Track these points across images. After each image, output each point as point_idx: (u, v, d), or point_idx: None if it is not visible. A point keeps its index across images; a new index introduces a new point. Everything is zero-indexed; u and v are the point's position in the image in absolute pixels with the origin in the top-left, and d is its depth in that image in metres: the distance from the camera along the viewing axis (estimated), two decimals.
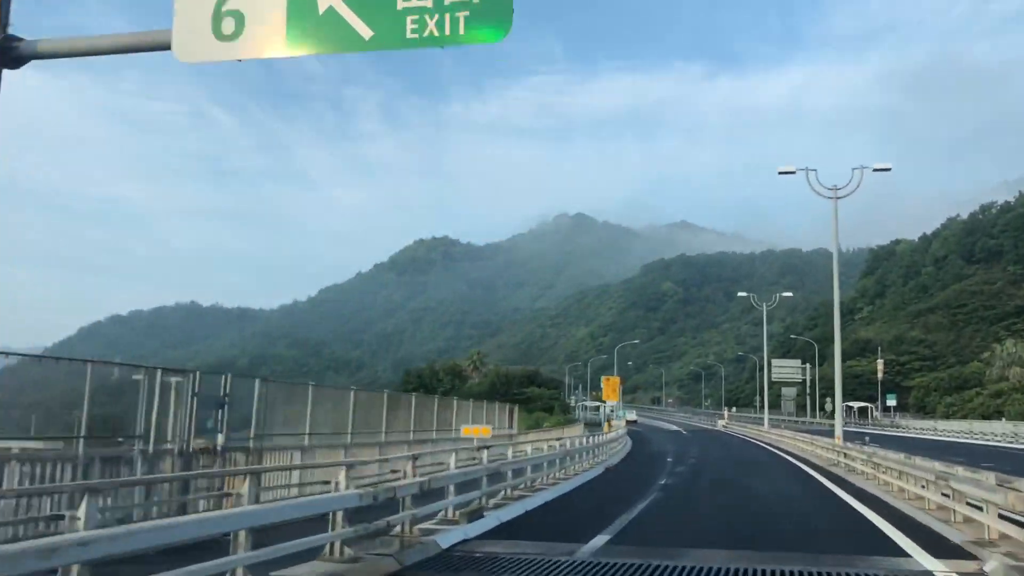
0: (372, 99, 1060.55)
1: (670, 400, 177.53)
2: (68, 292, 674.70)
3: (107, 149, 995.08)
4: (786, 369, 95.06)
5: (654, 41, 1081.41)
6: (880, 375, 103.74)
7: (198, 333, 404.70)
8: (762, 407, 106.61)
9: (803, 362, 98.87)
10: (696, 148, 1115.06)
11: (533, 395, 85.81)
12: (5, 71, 8.03)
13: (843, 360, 49.13)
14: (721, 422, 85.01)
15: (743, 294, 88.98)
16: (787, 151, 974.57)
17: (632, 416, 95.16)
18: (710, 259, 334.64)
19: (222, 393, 14.96)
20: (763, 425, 71.49)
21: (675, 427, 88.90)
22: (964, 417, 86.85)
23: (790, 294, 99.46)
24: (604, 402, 77.62)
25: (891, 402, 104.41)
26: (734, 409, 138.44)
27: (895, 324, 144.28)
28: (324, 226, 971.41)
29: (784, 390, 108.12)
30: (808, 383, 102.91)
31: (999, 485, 12.10)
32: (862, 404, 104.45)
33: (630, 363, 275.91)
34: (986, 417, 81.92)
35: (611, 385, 69.14)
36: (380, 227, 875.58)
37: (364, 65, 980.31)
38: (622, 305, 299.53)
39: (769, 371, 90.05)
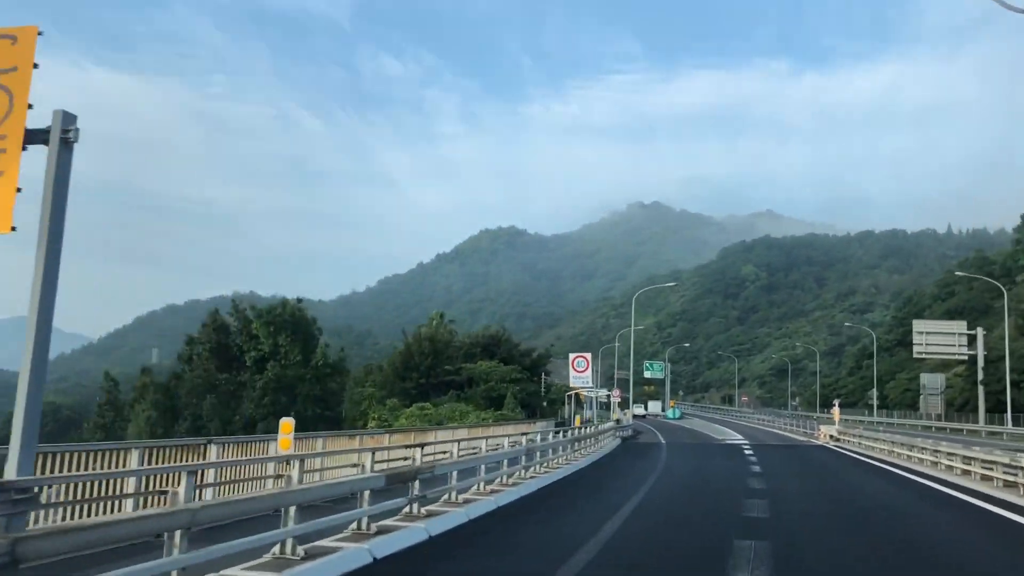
0: (452, 101, 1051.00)
1: (744, 398, 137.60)
2: (153, 287, 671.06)
3: (199, 151, 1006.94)
4: (938, 337, 56.39)
5: (737, 39, 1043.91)
6: None
7: None
8: (879, 407, 68.19)
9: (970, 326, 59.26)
10: (782, 145, 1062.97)
11: (481, 374, 50.58)
12: None
13: None
14: (826, 431, 46.17)
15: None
16: (878, 148, 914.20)
17: (639, 411, 73.75)
18: (798, 241, 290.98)
19: None
20: (911, 440, 33.76)
21: (735, 438, 52.43)
22: None
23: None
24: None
25: None
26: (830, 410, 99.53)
27: None
28: (402, 225, 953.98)
29: (926, 379, 68.61)
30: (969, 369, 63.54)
31: None
32: None
33: (698, 358, 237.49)
34: None
35: None
36: (453, 224, 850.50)
37: (443, 67, 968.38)
38: (695, 292, 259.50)
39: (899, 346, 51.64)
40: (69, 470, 10.73)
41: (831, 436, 44.78)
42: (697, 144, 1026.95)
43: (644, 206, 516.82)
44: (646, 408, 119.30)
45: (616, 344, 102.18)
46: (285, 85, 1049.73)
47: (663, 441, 44.06)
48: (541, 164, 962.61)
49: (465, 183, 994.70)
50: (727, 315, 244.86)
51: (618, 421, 55.49)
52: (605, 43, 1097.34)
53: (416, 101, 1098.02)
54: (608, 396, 66.15)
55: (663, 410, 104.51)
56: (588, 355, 60.01)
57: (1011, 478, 19.01)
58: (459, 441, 18.15)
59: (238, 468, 13.49)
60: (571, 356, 57.54)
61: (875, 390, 78.20)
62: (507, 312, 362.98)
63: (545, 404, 60.94)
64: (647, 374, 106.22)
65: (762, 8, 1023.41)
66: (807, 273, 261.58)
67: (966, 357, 59.72)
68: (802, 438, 50.46)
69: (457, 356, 56.38)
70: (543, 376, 66.18)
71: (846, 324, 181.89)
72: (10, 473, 8.18)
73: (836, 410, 53.47)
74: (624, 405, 66.12)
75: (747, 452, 35.37)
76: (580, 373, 52.87)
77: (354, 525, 10.81)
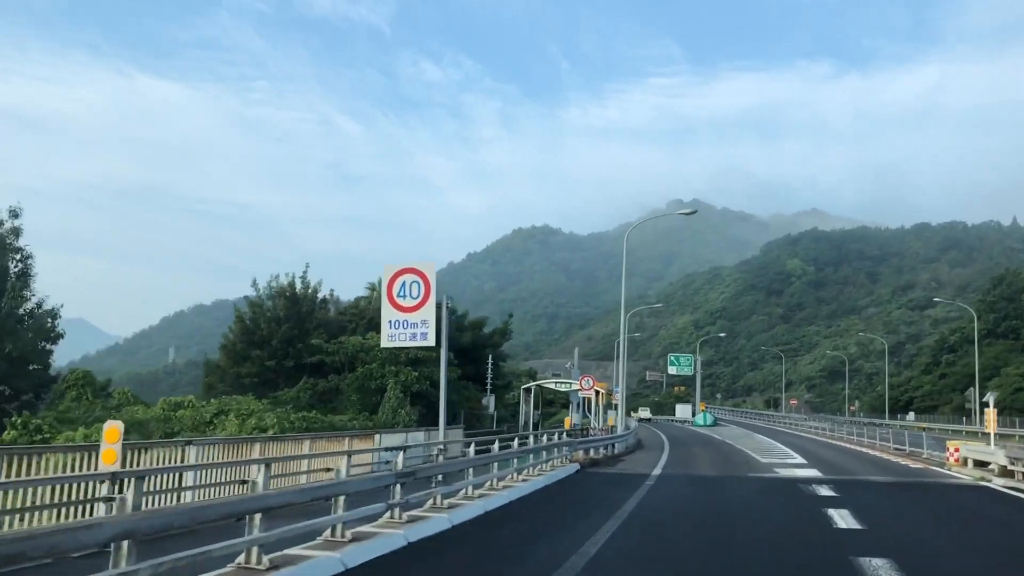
0: (490, 105, 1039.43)
1: (793, 402, 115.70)
2: (186, 287, 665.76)
3: (243, 157, 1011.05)
4: None
5: (777, 41, 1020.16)
6: None
7: None
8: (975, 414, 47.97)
9: None
10: (823, 146, 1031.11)
11: (354, 352, 31.84)
12: None
13: None
14: (974, 454, 24.22)
15: None
16: (923, 147, 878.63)
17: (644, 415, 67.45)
18: (848, 235, 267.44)
19: None
20: None
21: (792, 461, 32.55)
22: None
23: None
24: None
25: None
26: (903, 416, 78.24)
27: None
28: (439, 228, 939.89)
29: None
30: None
31: None
32: None
33: (739, 358, 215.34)
34: None
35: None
36: (487, 226, 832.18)
37: (482, 72, 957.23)
38: (736, 289, 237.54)
39: None
40: None
41: (988, 465, 23.60)
42: (737, 146, 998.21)
43: (684, 204, 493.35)
44: (680, 412, 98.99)
45: (628, 336, 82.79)
46: (326, 91, 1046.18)
47: (657, 470, 24.39)
48: (579, 167, 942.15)
49: (502, 186, 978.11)
50: (771, 312, 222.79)
51: (612, 428, 36.69)
52: (643, 46, 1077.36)
53: (455, 105, 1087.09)
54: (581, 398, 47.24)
55: (693, 414, 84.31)
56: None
57: None
58: None
59: None
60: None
61: (975, 390, 57.44)
62: (539, 312, 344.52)
63: (493, 402, 42.01)
64: (672, 369, 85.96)
65: (802, 10, 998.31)
66: (858, 268, 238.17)
67: None
68: (913, 464, 29.68)
69: (333, 327, 37.41)
70: (491, 362, 46.46)
71: (903, 324, 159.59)
72: None
73: (992, 415, 26.70)
74: (609, 406, 46.61)
75: (838, 515, 15.34)
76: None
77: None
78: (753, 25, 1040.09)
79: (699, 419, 77.85)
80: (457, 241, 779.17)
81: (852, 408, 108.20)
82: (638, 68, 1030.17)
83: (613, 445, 31.01)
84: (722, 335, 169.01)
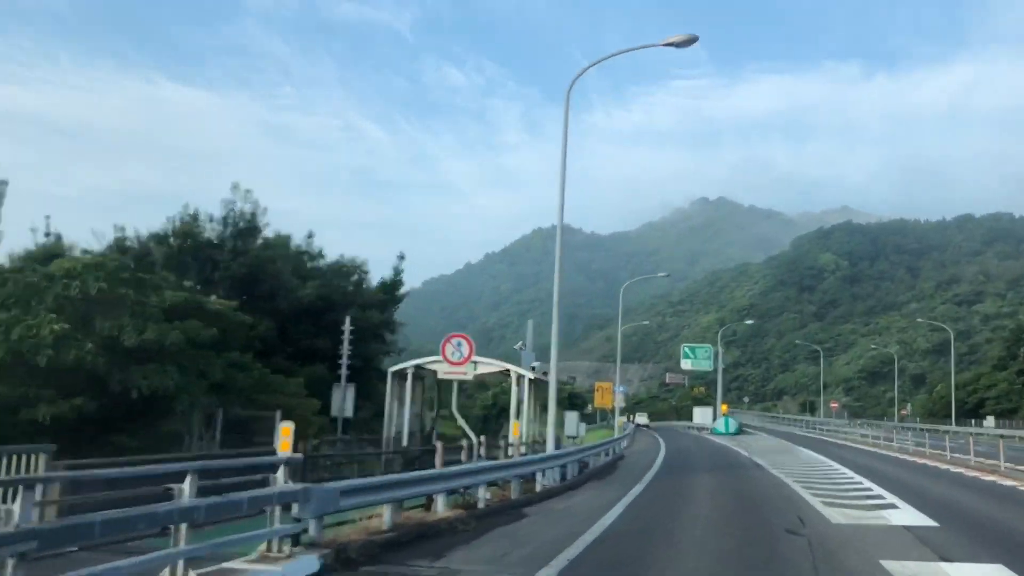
0: (513, 109, 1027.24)
1: (834, 405, 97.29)
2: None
3: (270, 162, 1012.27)
4: None
5: (805, 42, 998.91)
6: None
7: None
8: None
9: None
10: (852, 147, 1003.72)
11: None
12: None
13: None
14: None
15: None
16: (956, 149, 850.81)
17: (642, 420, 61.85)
18: (885, 227, 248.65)
19: None
20: None
21: (886, 499, 16.92)
22: None
23: None
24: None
25: None
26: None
27: None
28: (464, 231, 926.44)
29: None
30: None
31: None
32: None
33: (768, 359, 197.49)
34: None
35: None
36: (507, 228, 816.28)
37: (505, 76, 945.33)
38: (765, 285, 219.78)
39: None
40: None
41: None
42: (763, 147, 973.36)
43: (709, 202, 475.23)
44: (698, 416, 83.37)
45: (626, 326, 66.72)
46: (351, 96, 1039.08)
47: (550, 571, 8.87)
48: (602, 169, 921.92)
49: (525, 189, 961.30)
50: (802, 310, 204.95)
51: (532, 445, 21.74)
52: (668, 49, 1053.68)
53: (478, 110, 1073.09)
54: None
55: (713, 420, 67.28)
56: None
57: None
58: None
59: None
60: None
61: None
62: (559, 313, 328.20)
63: (351, 398, 26.26)
64: (686, 363, 68.52)
65: (830, 11, 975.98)
66: (896, 262, 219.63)
67: None
68: None
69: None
70: (349, 330, 29.54)
71: (949, 319, 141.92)
72: None
73: None
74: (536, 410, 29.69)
75: None
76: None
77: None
78: (780, 26, 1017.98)
79: (719, 426, 61.21)
80: (478, 243, 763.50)
81: (904, 412, 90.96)
82: (663, 71, 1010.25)
83: (572, 471, 15.23)
84: (749, 322, 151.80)
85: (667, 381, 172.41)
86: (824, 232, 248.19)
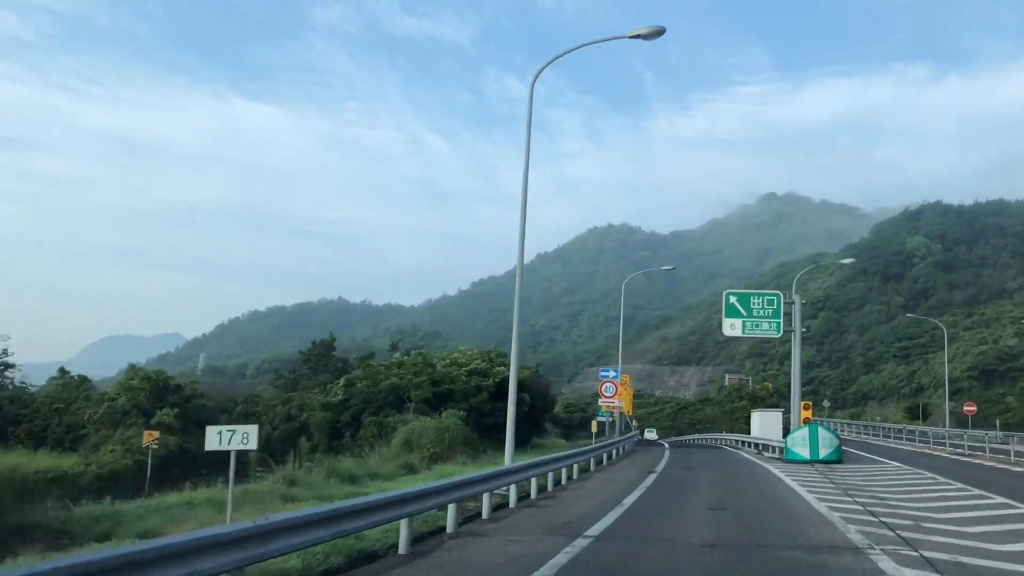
0: (575, 118, 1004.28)
1: (969, 408, 66.53)
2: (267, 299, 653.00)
3: (334, 175, 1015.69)
4: None
5: (871, 44, 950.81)
6: None
7: (329, 326, 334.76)
8: None
9: None
10: (922, 151, 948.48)
11: None
12: None
13: None
14: None
15: None
16: None
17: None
18: (982, 208, 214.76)
19: None
20: None
21: None
22: None
23: None
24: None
25: None
26: None
27: None
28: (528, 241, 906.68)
29: None
30: None
31: None
32: None
33: (849, 357, 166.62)
34: None
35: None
36: (564, 229, 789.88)
37: (565, 85, 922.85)
38: (843, 274, 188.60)
39: None
40: None
41: None
42: (829, 153, 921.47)
43: (777, 197, 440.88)
44: (757, 426, 53.87)
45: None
46: (414, 109, 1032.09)
47: None
48: (663, 175, 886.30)
49: (587, 198, 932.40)
50: (888, 302, 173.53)
51: None
52: (730, 54, 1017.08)
53: (539, 121, 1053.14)
54: None
55: (785, 435, 37.05)
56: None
57: None
58: None
59: None
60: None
61: None
62: (612, 316, 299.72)
63: None
64: (732, 326, 37.71)
65: (897, 12, 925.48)
66: (1000, 246, 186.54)
67: None
68: None
69: None
70: None
71: None
72: None
73: None
74: None
75: None
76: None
77: None
78: (845, 28, 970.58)
79: (799, 440, 33.17)
80: (530, 246, 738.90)
81: None
82: (725, 76, 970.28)
83: None
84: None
85: (727, 383, 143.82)
86: (911, 214, 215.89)
